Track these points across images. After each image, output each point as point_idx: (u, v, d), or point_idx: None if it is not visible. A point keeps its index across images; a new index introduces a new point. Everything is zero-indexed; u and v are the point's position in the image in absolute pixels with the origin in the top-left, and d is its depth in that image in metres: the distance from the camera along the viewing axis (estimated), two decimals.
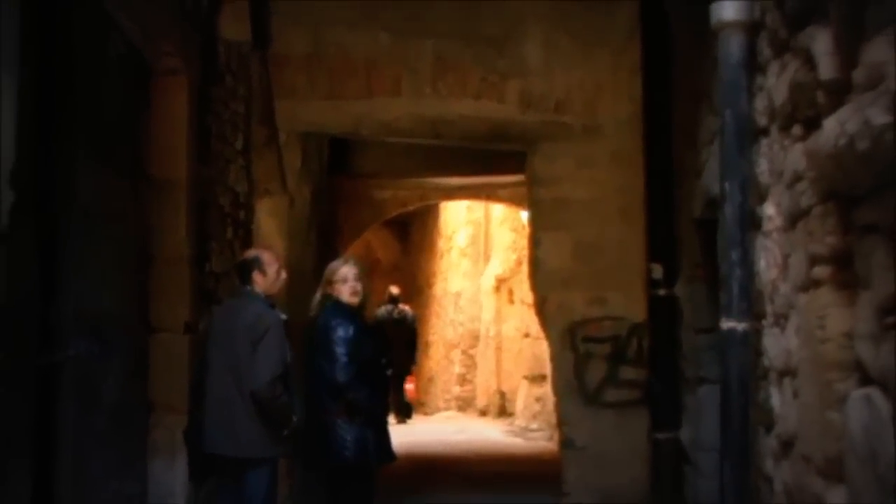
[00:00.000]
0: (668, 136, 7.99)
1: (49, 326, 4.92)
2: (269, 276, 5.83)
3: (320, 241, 9.68)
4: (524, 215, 11.92)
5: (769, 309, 3.96)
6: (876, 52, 2.48)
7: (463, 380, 19.60)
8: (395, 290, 17.77)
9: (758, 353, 4.11)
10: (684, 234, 7.40)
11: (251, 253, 6.04)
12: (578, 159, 8.40)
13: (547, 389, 12.52)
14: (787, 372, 3.66)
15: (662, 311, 8.03)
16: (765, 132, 3.98)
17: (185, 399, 6.04)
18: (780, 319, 3.77)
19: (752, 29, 4.09)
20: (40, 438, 4.81)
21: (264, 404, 5.43)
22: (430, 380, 20.40)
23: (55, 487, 4.95)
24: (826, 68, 2.92)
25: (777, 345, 3.82)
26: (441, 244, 20.97)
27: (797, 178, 3.39)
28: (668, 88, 7.97)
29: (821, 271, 3.11)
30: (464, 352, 19.62)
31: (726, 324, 4.18)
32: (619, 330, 8.34)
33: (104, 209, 5.68)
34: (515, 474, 11.07)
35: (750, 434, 4.15)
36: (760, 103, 4.02)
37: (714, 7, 4.19)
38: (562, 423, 8.65)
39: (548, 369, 10.51)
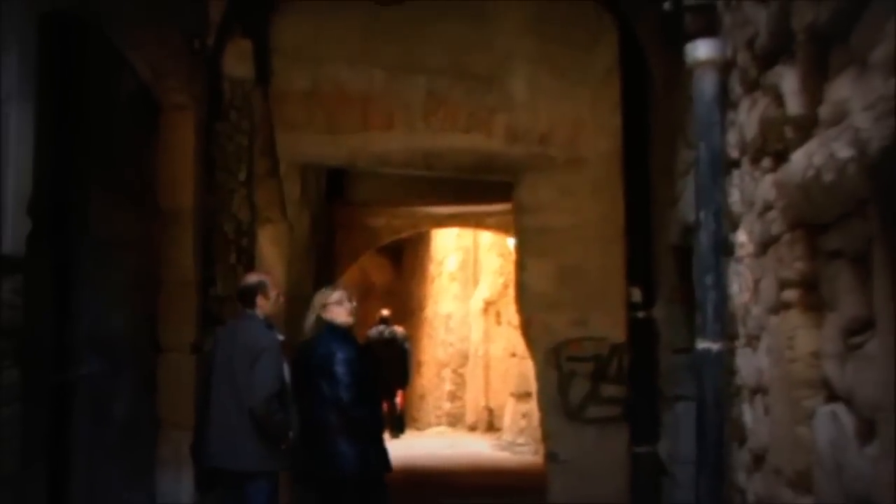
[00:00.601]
0: (645, 168, 8.02)
1: (63, 346, 4.91)
2: (271, 299, 5.82)
3: (318, 266, 9.67)
4: (511, 242, 11.89)
5: (741, 330, 3.96)
6: (839, 90, 2.49)
7: (453, 397, 19.54)
8: (385, 311, 17.80)
9: (731, 371, 4.11)
10: (661, 259, 7.41)
11: (254, 278, 5.97)
12: (561, 189, 8.42)
13: (533, 406, 12.47)
14: (759, 389, 3.66)
15: (641, 332, 8.03)
16: (737, 164, 3.99)
17: (191, 415, 6.02)
18: (752, 340, 3.77)
19: (724, 68, 4.11)
20: (55, 451, 4.80)
21: (261, 420, 5.41)
22: (422, 397, 20.33)
23: (69, 497, 4.94)
24: (794, 105, 2.93)
25: (749, 364, 3.82)
26: (432, 269, 20.94)
27: (767, 207, 3.40)
28: (645, 123, 8.00)
29: (790, 295, 3.12)
30: (454, 370, 19.57)
31: (701, 344, 4.18)
32: (600, 350, 8.33)
33: (115, 236, 5.68)
34: (503, 486, 11.03)
35: (724, 448, 4.15)
36: (732, 137, 4.03)
37: (689, 47, 4.21)
38: (547, 437, 8.63)
39: (533, 387, 10.47)
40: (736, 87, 3.94)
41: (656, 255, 7.71)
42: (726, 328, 4.12)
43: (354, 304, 6.25)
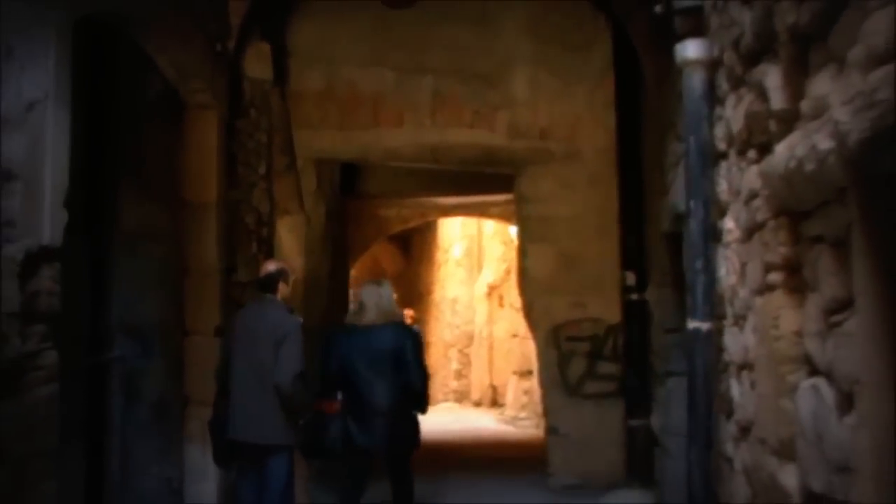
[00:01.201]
0: (638, 161, 8.03)
1: (98, 330, 4.95)
2: (289, 285, 5.82)
3: (333, 255, 9.68)
4: (513, 230, 11.93)
5: (729, 311, 3.96)
6: (820, 86, 2.49)
7: (459, 375, 19.58)
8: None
9: (719, 349, 4.11)
10: (654, 245, 7.41)
11: (276, 265, 5.89)
12: (560, 181, 8.42)
13: (534, 383, 12.52)
14: (745, 366, 3.66)
15: (635, 314, 8.06)
16: (724, 156, 3.99)
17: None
18: (739, 320, 3.77)
19: (711, 66, 4.10)
20: (92, 427, 4.83)
21: (287, 397, 5.38)
22: (430, 376, 20.34)
23: (105, 469, 4.98)
24: (777, 100, 2.93)
25: (736, 342, 3.82)
26: (439, 256, 20.95)
27: (753, 195, 3.40)
28: (638, 119, 8.01)
29: (774, 277, 3.12)
30: (460, 351, 19.61)
31: (691, 324, 4.18)
32: (597, 330, 8.35)
33: (145, 228, 5.70)
34: (507, 457, 11.04)
35: (713, 420, 4.16)
36: (720, 131, 4.02)
37: (678, 47, 4.20)
38: (547, 412, 8.66)
39: (534, 365, 10.53)
40: (723, 84, 3.94)
41: (649, 241, 7.71)
42: (715, 309, 4.12)
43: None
